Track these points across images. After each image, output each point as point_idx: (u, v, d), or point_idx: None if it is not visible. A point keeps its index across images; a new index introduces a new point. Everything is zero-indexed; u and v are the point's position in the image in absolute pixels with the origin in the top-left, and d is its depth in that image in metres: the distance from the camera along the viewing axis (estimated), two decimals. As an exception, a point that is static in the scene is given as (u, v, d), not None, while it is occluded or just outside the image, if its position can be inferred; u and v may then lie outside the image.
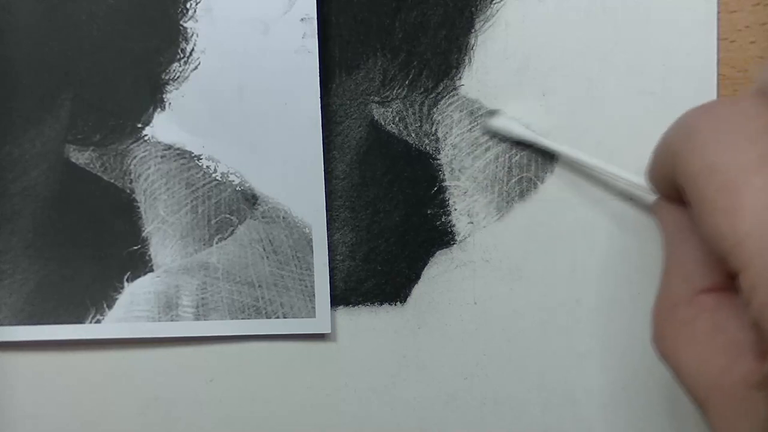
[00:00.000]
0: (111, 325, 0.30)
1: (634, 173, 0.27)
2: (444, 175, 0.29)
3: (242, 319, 0.29)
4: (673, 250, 0.24)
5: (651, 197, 0.26)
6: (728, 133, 0.20)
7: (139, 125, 0.29)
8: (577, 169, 0.29)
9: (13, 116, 0.29)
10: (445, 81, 0.29)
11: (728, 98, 0.21)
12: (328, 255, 0.29)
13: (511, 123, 0.28)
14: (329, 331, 0.29)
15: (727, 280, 0.22)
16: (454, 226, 0.30)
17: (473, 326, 0.30)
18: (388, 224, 0.30)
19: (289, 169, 0.29)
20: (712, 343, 0.21)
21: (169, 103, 0.29)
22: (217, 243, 0.29)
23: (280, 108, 0.29)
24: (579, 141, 0.29)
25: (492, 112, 0.29)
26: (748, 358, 0.20)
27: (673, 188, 0.23)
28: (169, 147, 0.29)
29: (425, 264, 0.30)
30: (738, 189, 0.19)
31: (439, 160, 0.29)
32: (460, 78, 0.29)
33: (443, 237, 0.30)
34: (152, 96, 0.29)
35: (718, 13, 0.28)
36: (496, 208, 0.29)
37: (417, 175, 0.30)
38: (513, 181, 0.29)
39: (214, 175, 0.29)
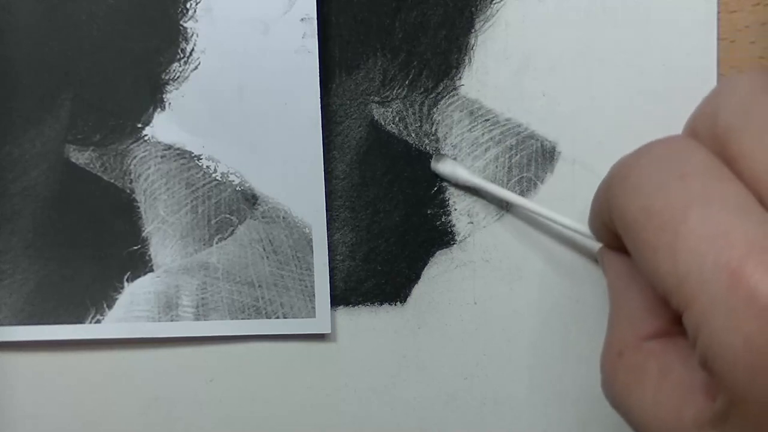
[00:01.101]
0: (111, 325, 0.30)
1: (577, 221, 0.27)
2: (444, 175, 0.29)
3: (242, 319, 0.29)
4: (617, 297, 0.24)
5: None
6: (661, 175, 0.20)
7: (139, 125, 0.29)
8: (577, 168, 0.29)
9: (13, 116, 0.29)
10: (445, 81, 0.29)
11: (659, 140, 0.22)
12: (328, 255, 0.29)
13: (456, 168, 0.29)
14: (329, 331, 0.29)
15: (671, 324, 0.22)
16: (454, 226, 0.30)
17: (473, 326, 0.30)
18: (388, 224, 0.30)
19: (289, 169, 0.29)
20: (661, 387, 0.21)
21: (169, 103, 0.29)
22: (217, 243, 0.29)
23: (280, 108, 0.29)
24: (579, 141, 0.29)
25: (439, 157, 0.29)
26: (698, 399, 0.20)
27: (613, 235, 0.23)
28: (169, 147, 0.29)
29: (425, 264, 0.30)
30: (675, 228, 0.19)
31: (439, 160, 0.29)
32: (460, 78, 0.29)
33: (443, 237, 0.30)
34: (152, 96, 0.29)
35: (718, 13, 0.28)
36: (496, 208, 0.29)
37: (417, 175, 0.30)
38: (513, 181, 0.29)
39: (214, 175, 0.29)
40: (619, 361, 0.23)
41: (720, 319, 0.18)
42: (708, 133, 0.21)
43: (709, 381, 0.20)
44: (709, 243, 0.18)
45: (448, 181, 0.29)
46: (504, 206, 0.29)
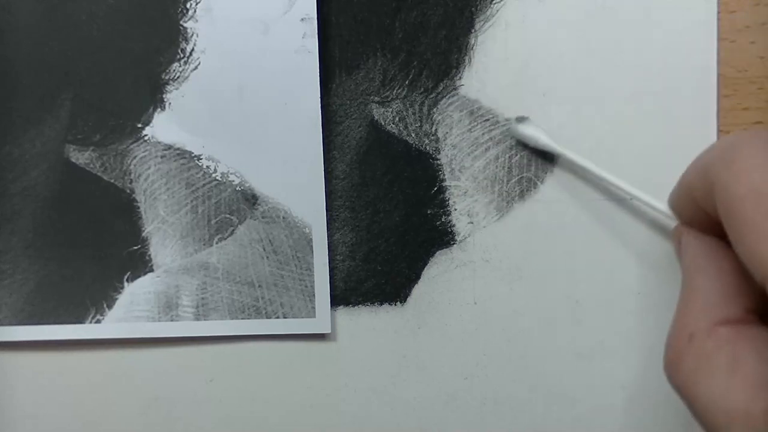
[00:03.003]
0: (111, 325, 0.30)
1: (661, 201, 0.27)
2: (444, 175, 0.29)
3: (242, 319, 0.29)
4: (693, 278, 0.24)
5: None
6: None
7: (139, 125, 0.29)
8: (577, 169, 0.29)
9: (13, 116, 0.29)
10: (445, 81, 0.29)
11: None
12: (328, 255, 0.29)
13: (538, 132, 0.28)
14: (329, 331, 0.29)
15: (748, 312, 0.22)
16: (454, 226, 0.30)
17: (473, 326, 0.30)
18: (388, 224, 0.30)
19: (289, 169, 0.29)
20: (732, 376, 0.21)
21: (169, 103, 0.29)
22: (217, 243, 0.29)
23: (280, 108, 0.29)
24: (579, 141, 0.29)
25: (520, 119, 0.28)
26: None
27: (700, 214, 0.23)
28: (169, 147, 0.29)
29: (425, 264, 0.30)
30: None
31: (439, 160, 0.29)
32: (460, 78, 0.29)
33: (443, 237, 0.30)
34: (152, 96, 0.29)
35: (718, 13, 0.28)
36: (496, 208, 0.29)
37: (417, 175, 0.30)
38: (513, 181, 0.29)
39: (214, 175, 0.29)
40: (689, 345, 0.22)
41: None
42: None
43: None
44: None
45: (526, 145, 0.29)
46: (504, 206, 0.29)
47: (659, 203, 0.27)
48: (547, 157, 0.29)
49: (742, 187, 0.20)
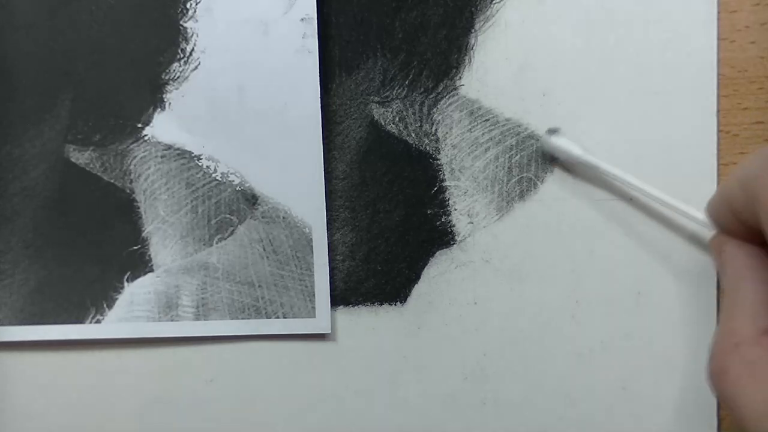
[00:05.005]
0: (111, 325, 0.30)
1: (697, 210, 0.26)
2: (444, 175, 0.29)
3: (242, 319, 0.29)
4: (737, 287, 0.24)
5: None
6: None
7: (139, 125, 0.29)
8: (577, 169, 0.29)
9: (13, 116, 0.29)
10: (445, 81, 0.29)
11: None
12: (328, 255, 0.29)
13: (570, 144, 0.28)
14: (329, 331, 0.29)
15: None
16: (454, 226, 0.30)
17: (473, 326, 0.30)
18: (388, 224, 0.30)
19: (289, 169, 0.29)
20: None
21: (169, 103, 0.29)
22: (217, 243, 0.29)
23: (280, 108, 0.29)
24: (579, 141, 0.29)
25: (552, 131, 0.28)
26: None
27: (741, 224, 0.23)
28: (169, 147, 0.29)
29: (425, 264, 0.30)
30: None
31: (439, 160, 0.29)
32: (460, 78, 0.29)
33: (443, 237, 0.30)
34: (152, 96, 0.29)
35: (718, 13, 0.28)
36: (496, 208, 0.29)
37: (417, 175, 0.30)
38: (513, 181, 0.29)
39: (214, 175, 0.29)
40: (735, 353, 0.22)
41: None
42: None
43: None
44: None
45: (559, 157, 0.29)
46: (504, 206, 0.29)
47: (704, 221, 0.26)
48: (546, 158, 0.29)
49: None
